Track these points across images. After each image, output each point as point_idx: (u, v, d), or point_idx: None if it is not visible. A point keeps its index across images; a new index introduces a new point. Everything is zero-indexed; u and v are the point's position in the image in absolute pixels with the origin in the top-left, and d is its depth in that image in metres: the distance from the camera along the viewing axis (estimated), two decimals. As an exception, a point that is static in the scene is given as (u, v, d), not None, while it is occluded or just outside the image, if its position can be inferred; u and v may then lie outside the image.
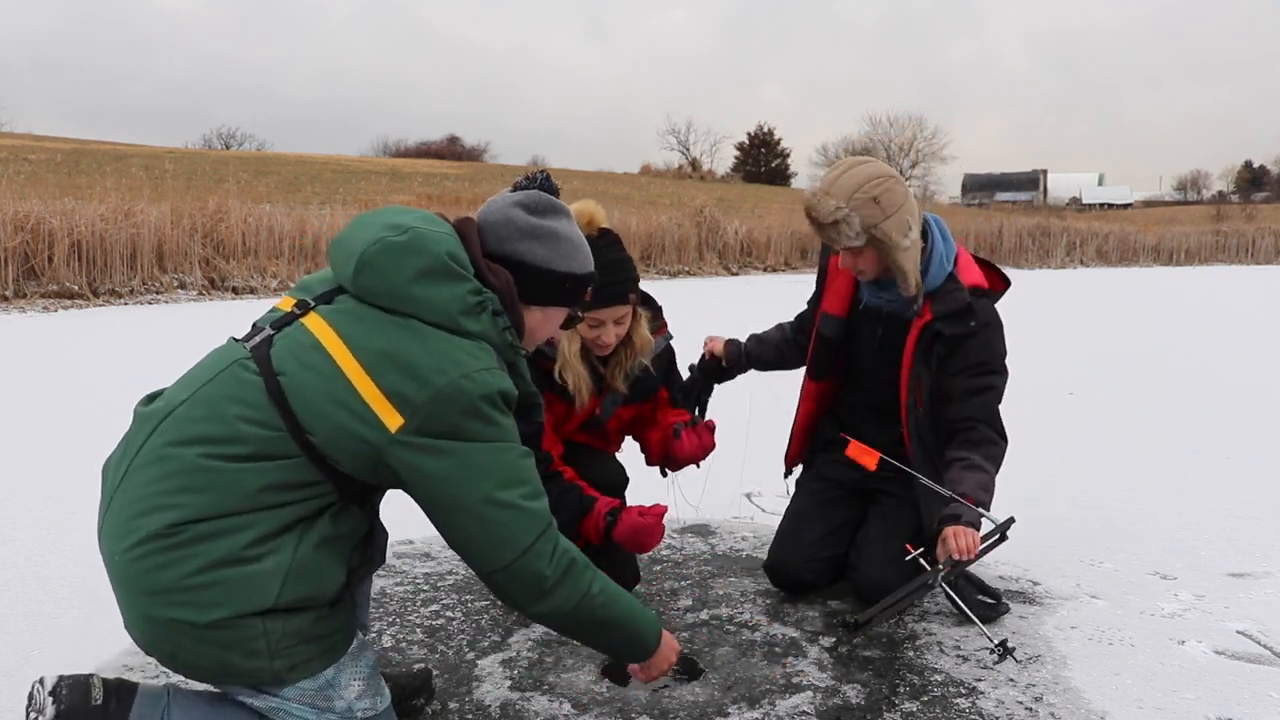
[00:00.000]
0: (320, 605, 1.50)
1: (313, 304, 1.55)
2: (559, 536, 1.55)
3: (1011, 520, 2.26)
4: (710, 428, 2.56)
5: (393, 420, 1.43)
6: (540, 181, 1.71)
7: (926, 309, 2.35)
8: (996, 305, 2.45)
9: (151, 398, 1.60)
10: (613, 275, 2.27)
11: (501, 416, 1.49)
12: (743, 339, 2.84)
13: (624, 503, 2.38)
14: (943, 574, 2.14)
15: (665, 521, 2.35)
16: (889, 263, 2.31)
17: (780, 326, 2.85)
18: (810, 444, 2.77)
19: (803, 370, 2.73)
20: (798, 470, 2.81)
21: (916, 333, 2.37)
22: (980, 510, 2.20)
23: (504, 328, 1.56)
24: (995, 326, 2.40)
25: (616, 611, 1.64)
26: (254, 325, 1.61)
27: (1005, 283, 2.50)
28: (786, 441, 2.80)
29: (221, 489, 1.42)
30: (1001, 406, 2.41)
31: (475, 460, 1.46)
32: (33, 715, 1.44)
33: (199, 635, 1.41)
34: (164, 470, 1.44)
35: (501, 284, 1.58)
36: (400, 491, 1.54)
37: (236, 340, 1.59)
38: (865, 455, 2.43)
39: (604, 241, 2.30)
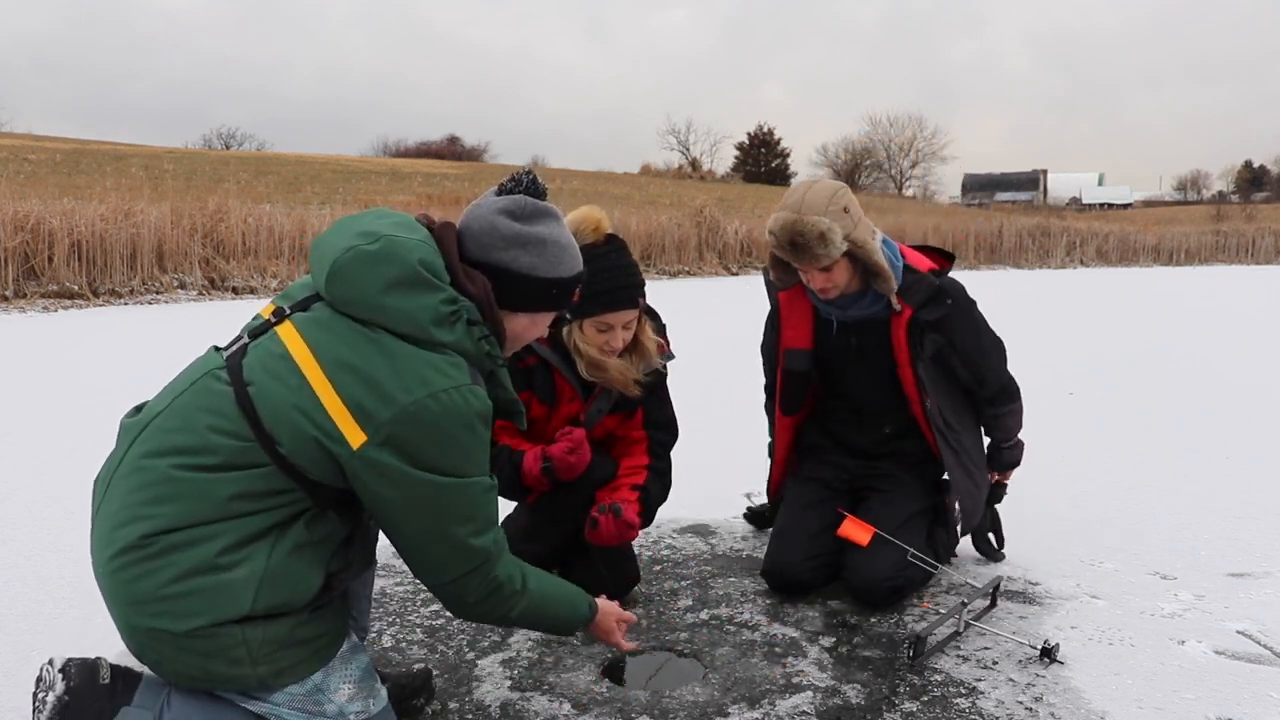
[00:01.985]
0: (299, 610, 1.51)
1: (288, 312, 1.54)
2: (493, 567, 1.57)
3: (999, 581, 2.53)
4: (631, 523, 2.35)
5: (355, 436, 1.43)
6: (526, 184, 1.66)
7: (902, 305, 2.46)
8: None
9: (138, 409, 1.61)
10: (620, 280, 2.26)
11: (469, 438, 1.49)
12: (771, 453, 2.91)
13: (542, 450, 2.35)
14: (969, 616, 2.35)
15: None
16: (868, 264, 2.41)
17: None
18: (792, 469, 2.84)
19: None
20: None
21: (904, 330, 2.48)
22: (970, 582, 2.51)
23: (480, 337, 1.54)
24: (968, 299, 2.57)
25: (538, 619, 1.72)
26: (238, 333, 1.62)
27: (949, 258, 2.64)
28: (768, 473, 2.87)
29: (192, 498, 1.43)
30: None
31: (427, 495, 1.47)
32: (42, 693, 1.46)
33: (179, 644, 1.43)
34: (139, 481, 1.46)
35: (478, 291, 1.56)
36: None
37: (217, 349, 1.59)
38: (859, 532, 2.46)
39: (610, 247, 2.29)
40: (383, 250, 1.48)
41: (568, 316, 1.80)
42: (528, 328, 1.69)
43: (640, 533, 2.54)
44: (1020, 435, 2.75)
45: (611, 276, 2.24)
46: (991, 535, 2.89)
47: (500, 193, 1.66)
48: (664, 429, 2.57)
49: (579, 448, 2.31)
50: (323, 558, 1.53)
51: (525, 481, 2.35)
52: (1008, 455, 2.76)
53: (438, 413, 1.44)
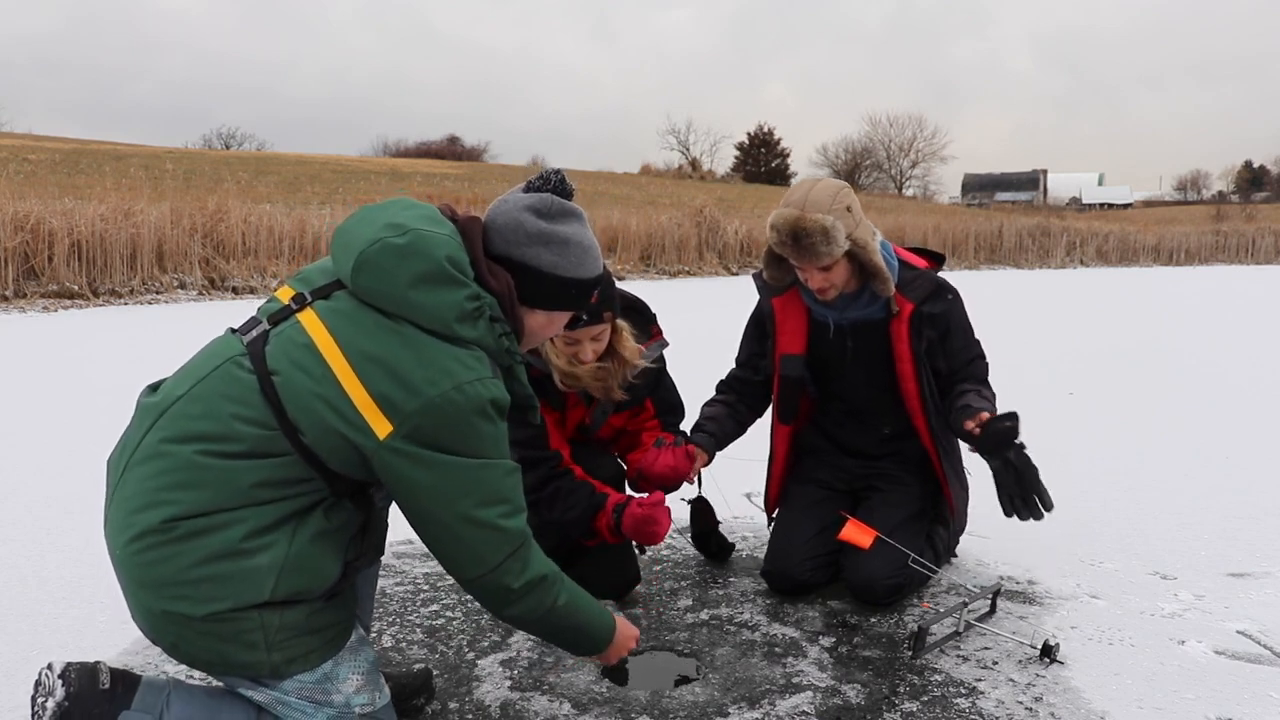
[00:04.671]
0: (316, 598, 1.52)
1: (309, 299, 1.54)
2: (530, 553, 1.57)
3: (1000, 585, 2.54)
4: (690, 454, 2.48)
5: (381, 427, 1.44)
6: (554, 183, 1.67)
7: (902, 300, 2.47)
8: None
9: (154, 387, 1.61)
10: None
11: (490, 428, 1.50)
12: (697, 430, 2.72)
13: (628, 497, 2.38)
14: (969, 617, 2.34)
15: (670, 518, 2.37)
16: (866, 264, 2.41)
17: (717, 403, 2.78)
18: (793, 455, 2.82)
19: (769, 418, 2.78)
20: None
21: (906, 325, 2.48)
22: (968, 585, 2.49)
23: (501, 333, 1.55)
24: (960, 298, 2.58)
25: (577, 620, 1.68)
26: (254, 315, 1.61)
27: (940, 259, 2.66)
28: (765, 485, 2.84)
29: (215, 485, 1.44)
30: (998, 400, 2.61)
31: (457, 476, 1.48)
32: (41, 699, 1.46)
33: (196, 627, 1.43)
34: (160, 466, 1.46)
35: (501, 287, 1.57)
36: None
37: (234, 331, 1.58)
38: (860, 535, 2.44)
39: None
40: (410, 244, 1.48)
41: (584, 318, 1.80)
42: (545, 325, 1.70)
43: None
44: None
45: None
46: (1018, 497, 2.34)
47: (528, 190, 1.66)
48: (673, 412, 2.62)
49: (659, 526, 2.29)
50: (340, 546, 1.55)
51: (596, 523, 2.34)
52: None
53: (461, 403, 1.45)
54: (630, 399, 2.46)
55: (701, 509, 2.82)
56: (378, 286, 1.48)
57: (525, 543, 1.56)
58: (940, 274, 2.59)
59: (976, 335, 2.62)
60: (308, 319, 1.51)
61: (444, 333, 1.48)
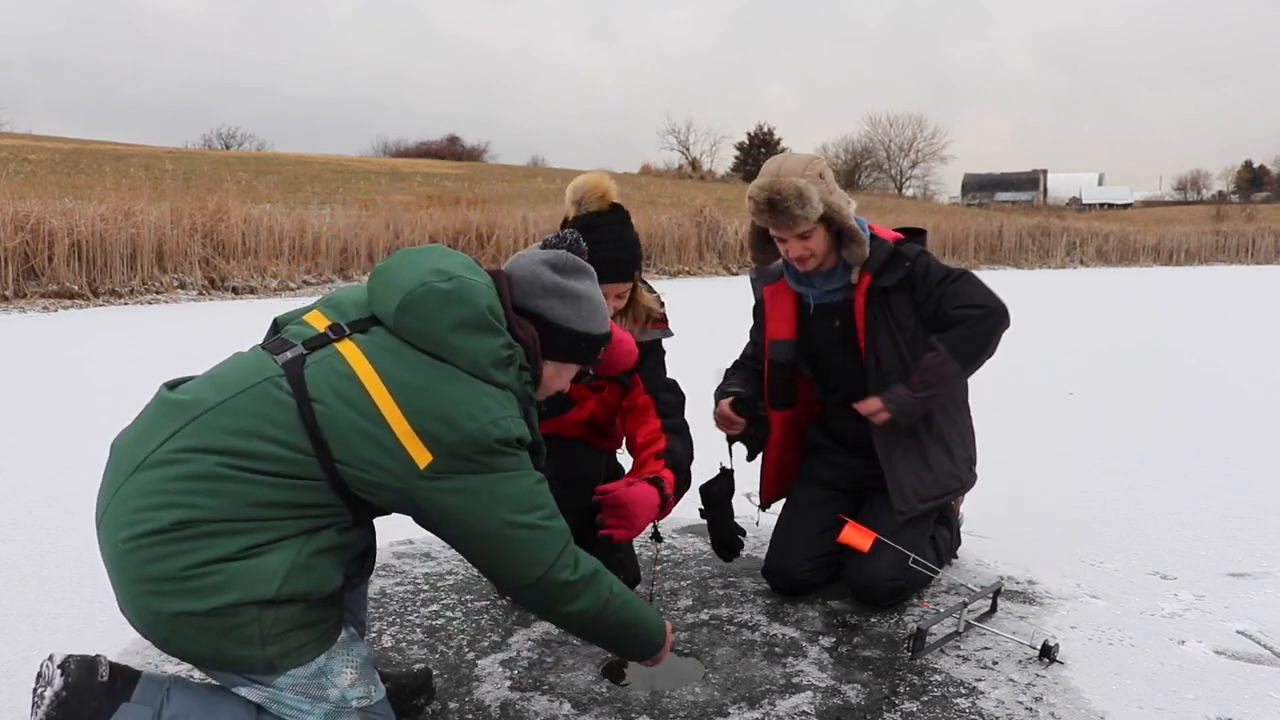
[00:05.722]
0: (312, 600, 1.54)
1: (347, 330, 1.59)
2: (578, 549, 1.66)
3: (1000, 585, 2.54)
4: (666, 495, 2.31)
5: (422, 458, 1.50)
6: (570, 242, 1.80)
7: (863, 273, 2.48)
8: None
9: (172, 386, 1.62)
10: (620, 253, 2.25)
11: (521, 453, 1.60)
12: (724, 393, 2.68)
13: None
14: (969, 616, 2.36)
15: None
16: (843, 228, 2.44)
17: (737, 373, 2.77)
18: (787, 472, 2.80)
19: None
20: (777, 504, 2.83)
21: (863, 297, 2.50)
22: (968, 584, 2.48)
23: (526, 381, 1.64)
24: (926, 254, 2.53)
25: (631, 612, 1.75)
26: (278, 331, 1.65)
27: (921, 233, 2.63)
28: (759, 478, 2.81)
29: (236, 497, 1.46)
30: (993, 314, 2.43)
31: (495, 489, 1.56)
32: (41, 688, 1.48)
33: (196, 623, 1.44)
34: (181, 471, 1.47)
35: (528, 338, 1.66)
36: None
37: (264, 349, 1.61)
38: (860, 538, 2.44)
39: (615, 217, 2.28)
40: (456, 291, 1.56)
41: (590, 372, 1.85)
42: (553, 376, 1.79)
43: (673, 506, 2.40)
44: (952, 368, 2.41)
45: (607, 248, 2.21)
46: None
47: (545, 247, 1.80)
48: (668, 390, 2.51)
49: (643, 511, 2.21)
50: (345, 562, 1.59)
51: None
52: (929, 368, 2.42)
53: (496, 435, 1.54)
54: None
55: (720, 490, 2.62)
56: (420, 327, 1.55)
57: (570, 540, 1.65)
58: (921, 243, 2.56)
59: (950, 276, 2.47)
60: (348, 350, 1.55)
61: (480, 375, 1.56)
